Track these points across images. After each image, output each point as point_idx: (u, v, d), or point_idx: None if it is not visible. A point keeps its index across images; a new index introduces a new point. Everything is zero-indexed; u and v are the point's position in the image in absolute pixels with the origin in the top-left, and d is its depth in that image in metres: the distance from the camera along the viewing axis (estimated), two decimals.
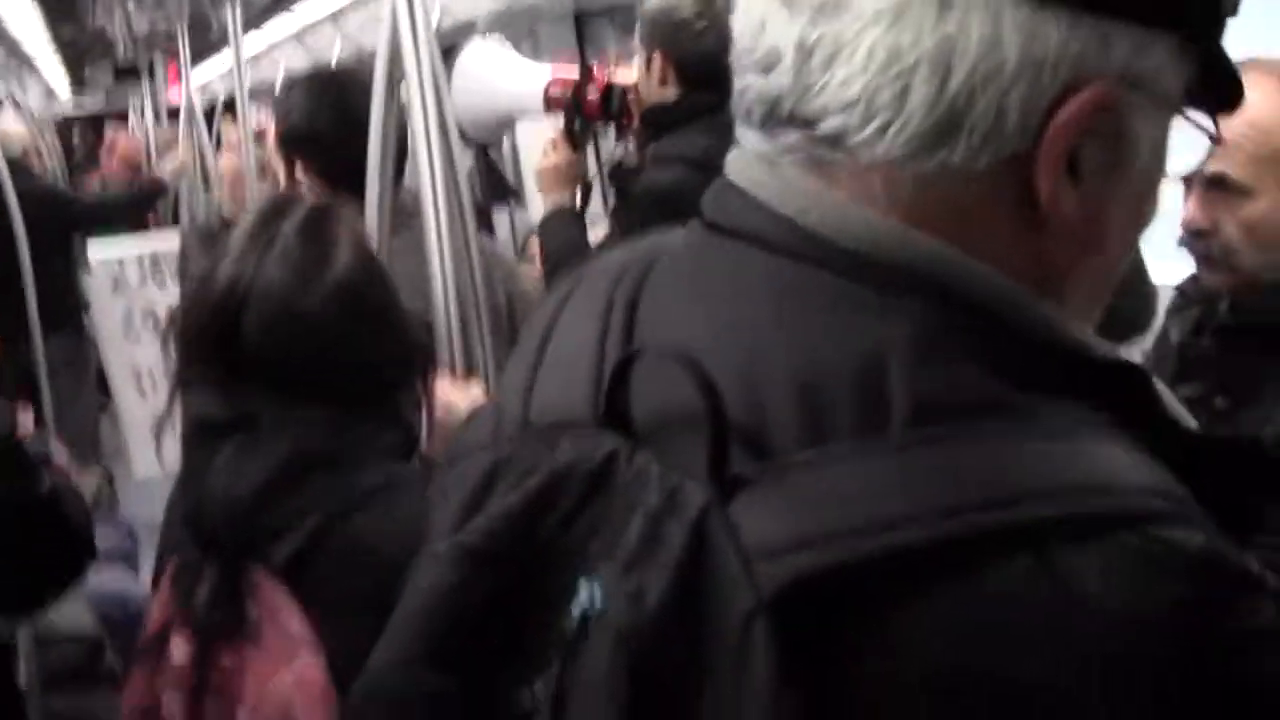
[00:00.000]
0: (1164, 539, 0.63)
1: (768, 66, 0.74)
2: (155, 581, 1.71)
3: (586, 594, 0.67)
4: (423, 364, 1.83)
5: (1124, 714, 0.62)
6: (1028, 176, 0.71)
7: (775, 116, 0.74)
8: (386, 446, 1.67)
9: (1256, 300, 1.81)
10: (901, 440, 0.66)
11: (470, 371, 2.18)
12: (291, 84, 2.56)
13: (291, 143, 2.57)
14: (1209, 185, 1.76)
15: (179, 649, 1.56)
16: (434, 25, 2.17)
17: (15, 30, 8.59)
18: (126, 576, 4.23)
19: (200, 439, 1.67)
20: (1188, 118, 0.77)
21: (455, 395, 2.02)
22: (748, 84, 0.76)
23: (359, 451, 1.63)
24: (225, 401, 1.64)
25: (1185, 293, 1.96)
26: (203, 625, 1.57)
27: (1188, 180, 1.77)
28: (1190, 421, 0.74)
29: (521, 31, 5.75)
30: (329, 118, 2.48)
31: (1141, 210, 0.79)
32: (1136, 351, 2.10)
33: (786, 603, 0.62)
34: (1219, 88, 0.77)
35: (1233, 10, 0.75)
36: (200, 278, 1.70)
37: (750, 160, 0.79)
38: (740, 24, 0.77)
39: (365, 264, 1.71)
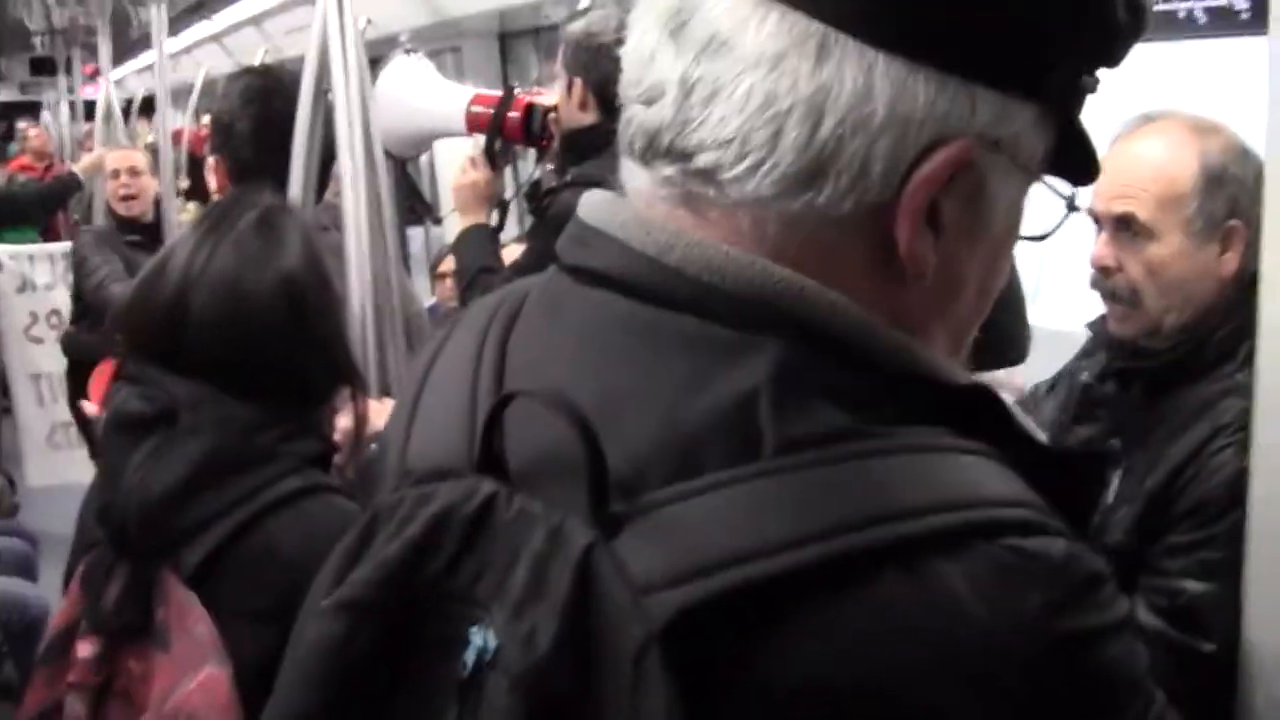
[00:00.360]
0: (1027, 548, 0.68)
1: (651, 99, 0.76)
2: (68, 579, 1.70)
3: (478, 640, 0.68)
4: (351, 380, 1.83)
5: (996, 713, 0.66)
6: (889, 225, 0.74)
7: (654, 149, 0.76)
8: (304, 453, 1.67)
9: (1156, 344, 1.84)
10: (770, 466, 0.69)
11: (386, 390, 2.19)
12: (231, 76, 2.55)
13: (211, 132, 2.55)
14: (1117, 226, 1.81)
15: (85, 649, 1.55)
16: (361, 36, 2.18)
17: None
18: (24, 584, 4.16)
19: (118, 436, 1.65)
20: (1045, 183, 0.81)
21: (370, 409, 2.02)
22: (632, 115, 0.78)
23: (276, 455, 1.63)
24: (146, 397, 1.63)
25: (1096, 335, 2.00)
26: (110, 626, 1.56)
27: (1096, 219, 1.82)
28: (1040, 436, 0.78)
29: (445, 49, 5.74)
30: (250, 115, 2.44)
31: (996, 267, 0.82)
32: (1014, 390, 2.14)
33: (675, 633, 0.64)
34: (1076, 159, 0.80)
35: (1091, 89, 0.78)
36: (155, 261, 1.71)
37: (608, 200, 0.81)
38: (630, 56, 0.79)
39: (314, 263, 1.73)
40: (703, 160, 0.74)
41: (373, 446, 1.90)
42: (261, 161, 2.35)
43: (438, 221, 3.15)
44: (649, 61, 0.77)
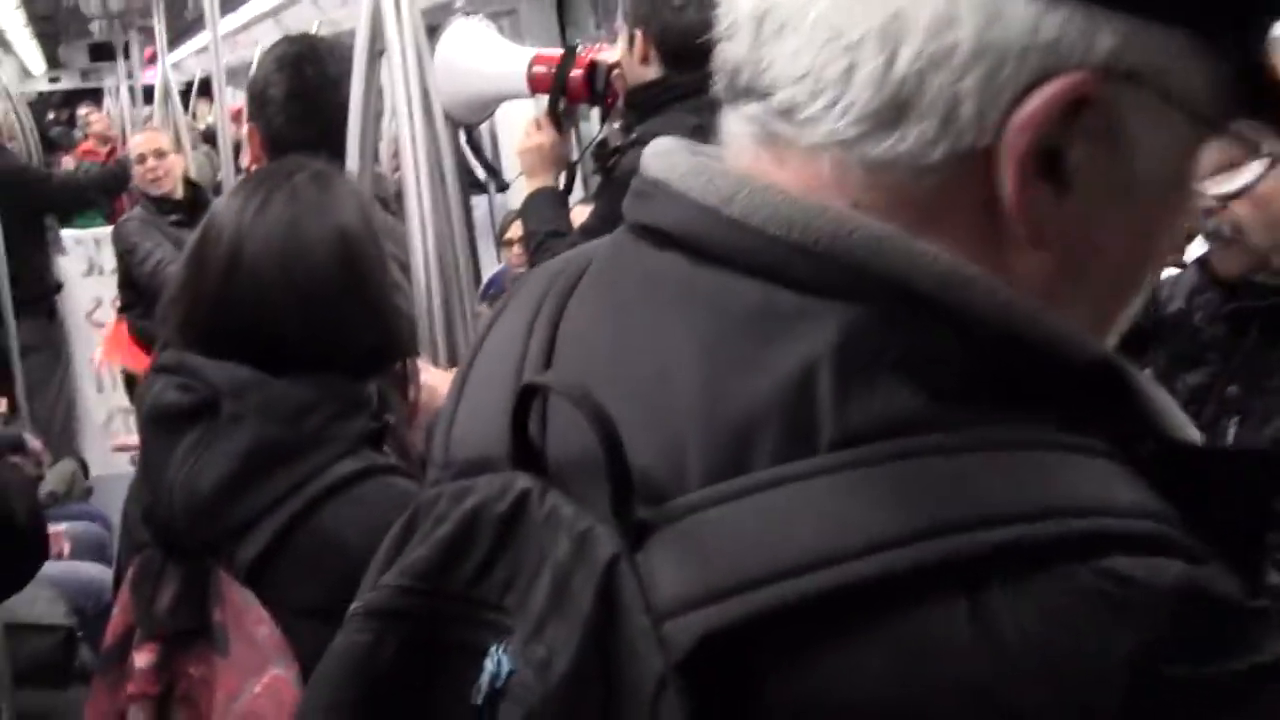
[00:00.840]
0: (1125, 572, 0.55)
1: (730, 35, 0.69)
2: (116, 583, 1.62)
3: (491, 665, 0.63)
4: (405, 349, 1.73)
5: None
6: (991, 176, 0.63)
7: (735, 87, 0.69)
8: (356, 433, 1.57)
9: (1268, 283, 1.75)
10: (823, 465, 0.59)
11: (454, 359, 2.09)
12: (268, 46, 2.45)
13: (247, 100, 2.46)
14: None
15: (142, 658, 1.47)
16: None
17: None
18: (99, 567, 4.15)
19: (157, 430, 1.57)
20: (1226, 130, 0.66)
21: (439, 379, 1.93)
22: (719, 51, 0.71)
23: (327, 438, 1.54)
24: (183, 387, 1.54)
25: (1204, 268, 1.89)
26: (165, 632, 1.48)
27: None
28: (1192, 433, 0.66)
29: (501, 11, 5.65)
30: (284, 84, 2.33)
31: (1153, 229, 0.68)
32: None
33: (697, 662, 0.57)
34: (1259, 96, 0.66)
35: (1269, 9, 0.65)
36: (201, 226, 1.63)
37: (673, 148, 0.73)
38: None
39: (368, 223, 1.64)
40: (780, 99, 0.65)
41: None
42: (293, 130, 2.25)
43: (504, 187, 3.07)
44: None
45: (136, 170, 5.39)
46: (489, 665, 0.63)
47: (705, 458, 0.61)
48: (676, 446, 0.62)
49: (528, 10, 5.61)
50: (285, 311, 1.55)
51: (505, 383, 0.73)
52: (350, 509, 1.50)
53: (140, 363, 2.44)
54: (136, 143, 5.54)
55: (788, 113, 0.65)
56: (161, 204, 5.26)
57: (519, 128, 3.04)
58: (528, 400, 0.67)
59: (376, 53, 2.08)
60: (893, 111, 0.62)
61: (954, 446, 0.59)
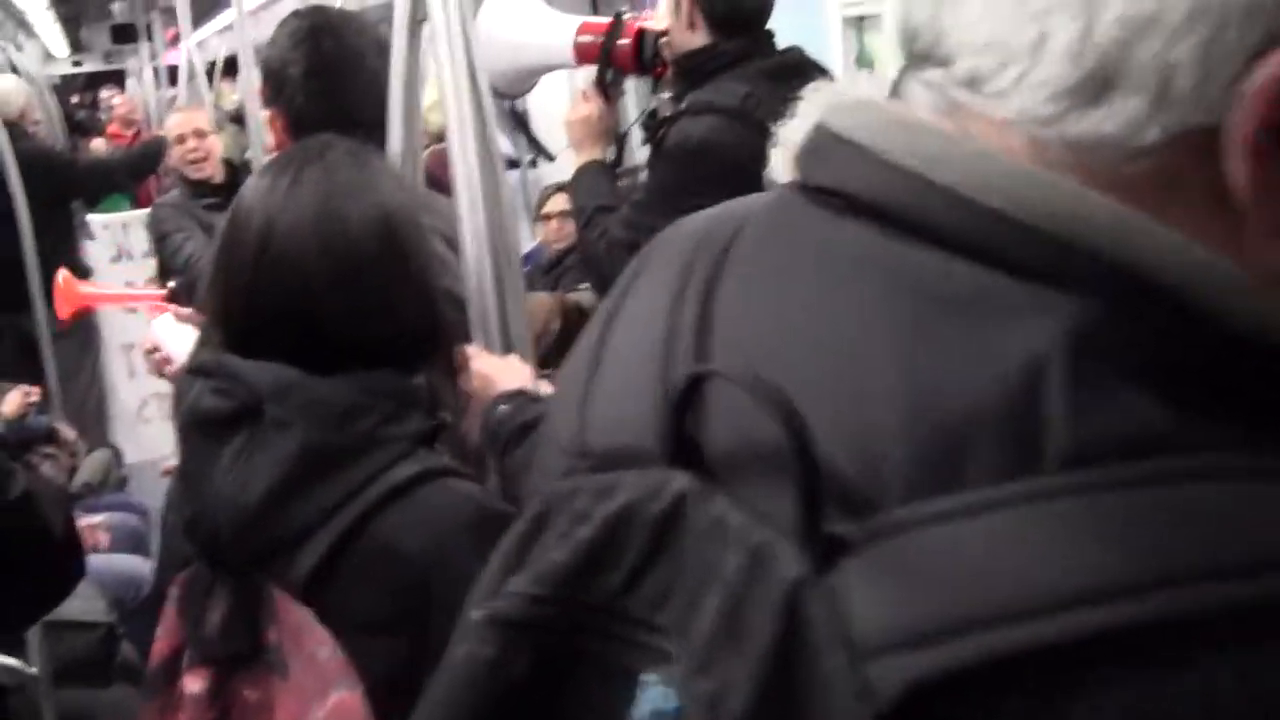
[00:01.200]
0: None
1: None
2: (157, 600, 1.51)
3: (655, 699, 0.55)
4: (456, 335, 1.63)
5: None
6: (1218, 160, 0.52)
7: (913, 51, 0.61)
8: (412, 433, 1.46)
9: None
10: (1059, 486, 0.49)
11: (507, 344, 1.98)
12: (281, 22, 2.30)
13: (264, 83, 2.31)
14: None
15: (193, 683, 1.36)
16: None
17: None
18: (138, 559, 4.08)
19: (197, 438, 1.46)
20: None
21: (493, 367, 1.83)
22: (897, 14, 0.62)
23: (381, 440, 1.43)
24: (222, 391, 1.44)
25: None
26: (217, 655, 1.38)
27: None
28: None
29: None
30: (302, 60, 2.19)
31: None
32: None
33: (907, 713, 0.47)
34: None
35: None
36: (231, 209, 1.53)
37: (863, 104, 0.63)
38: None
39: (409, 199, 1.54)
40: (962, 68, 0.56)
41: (502, 408, 1.72)
42: (317, 108, 2.12)
43: (551, 158, 2.98)
44: None
45: (175, 151, 5.10)
46: (651, 697, 0.55)
47: (910, 463, 0.52)
48: (872, 447, 0.53)
49: None
50: (324, 296, 1.45)
51: (651, 362, 0.65)
52: (410, 515, 1.39)
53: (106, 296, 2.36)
54: (174, 123, 5.19)
55: (972, 83, 0.56)
56: (200, 187, 5.02)
57: (547, 98, 2.95)
58: (693, 389, 0.58)
59: (418, 22, 1.97)
60: (1095, 87, 0.53)
61: (1212, 473, 0.49)
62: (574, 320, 3.16)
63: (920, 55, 0.60)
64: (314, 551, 1.37)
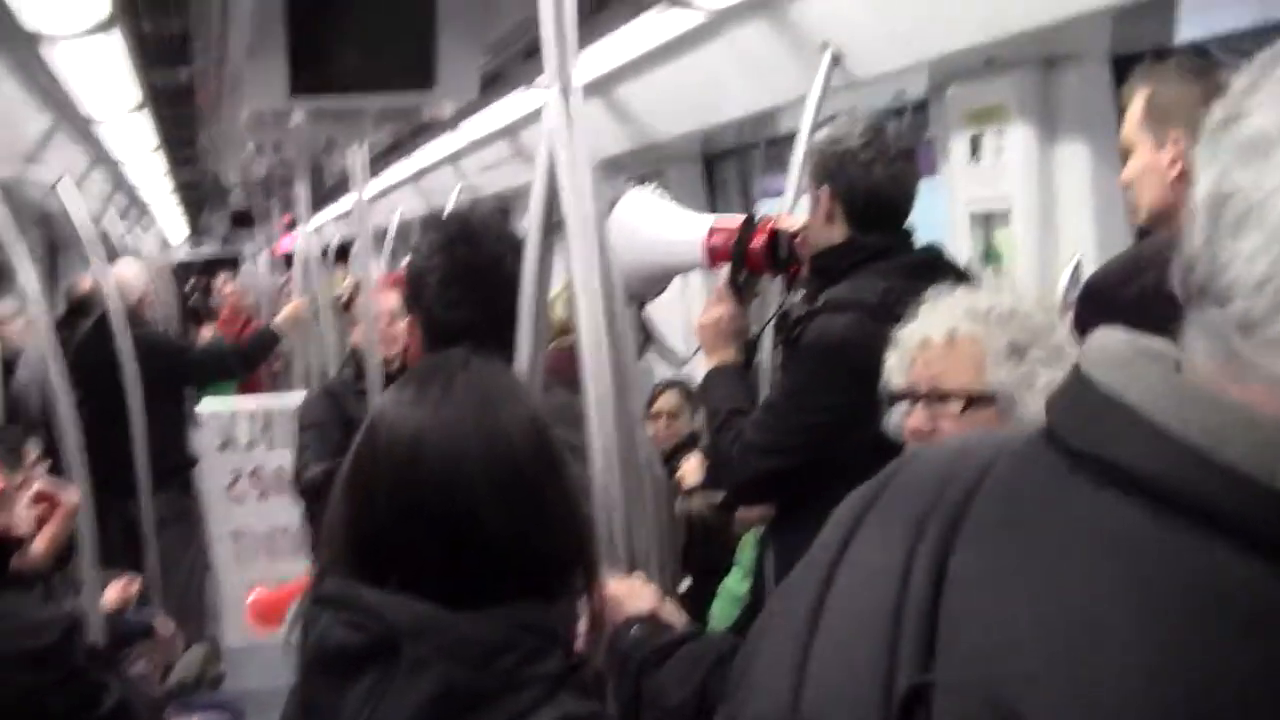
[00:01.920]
0: None
1: (1188, 221, 0.55)
2: None
3: None
4: (592, 561, 1.49)
5: None
6: None
7: (1189, 285, 0.54)
8: (552, 673, 1.33)
9: None
10: None
11: (634, 563, 1.85)
12: (424, 224, 2.26)
13: (405, 287, 2.24)
14: None
15: None
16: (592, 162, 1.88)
17: (136, 177, 8.62)
18: None
19: (323, 676, 1.34)
20: None
21: (621, 588, 1.70)
22: (1181, 244, 0.56)
23: (522, 682, 1.30)
24: (354, 625, 1.32)
25: None
26: None
27: None
28: None
29: (649, 174, 5.55)
30: (439, 268, 2.13)
31: None
32: None
33: None
34: None
35: None
36: (367, 424, 1.43)
37: (1130, 358, 0.56)
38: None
39: (541, 424, 1.43)
40: (1237, 310, 0.50)
41: (634, 632, 1.58)
42: (454, 316, 2.04)
43: (683, 362, 2.90)
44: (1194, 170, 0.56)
45: (367, 328, 4.21)
46: None
47: None
48: None
49: (676, 172, 5.48)
50: (487, 508, 1.33)
51: (876, 637, 0.61)
52: None
53: None
54: (370, 297, 4.36)
55: (1247, 329, 0.50)
56: (389, 366, 4.08)
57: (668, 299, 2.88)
58: (917, 698, 0.55)
59: (553, 223, 1.89)
60: None
61: None
62: (697, 534, 3.02)
63: (1197, 289, 0.53)
64: None
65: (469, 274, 2.01)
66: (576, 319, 1.83)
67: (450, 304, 2.06)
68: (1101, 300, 1.18)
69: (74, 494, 2.24)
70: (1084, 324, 1.22)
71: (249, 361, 7.04)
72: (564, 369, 2.16)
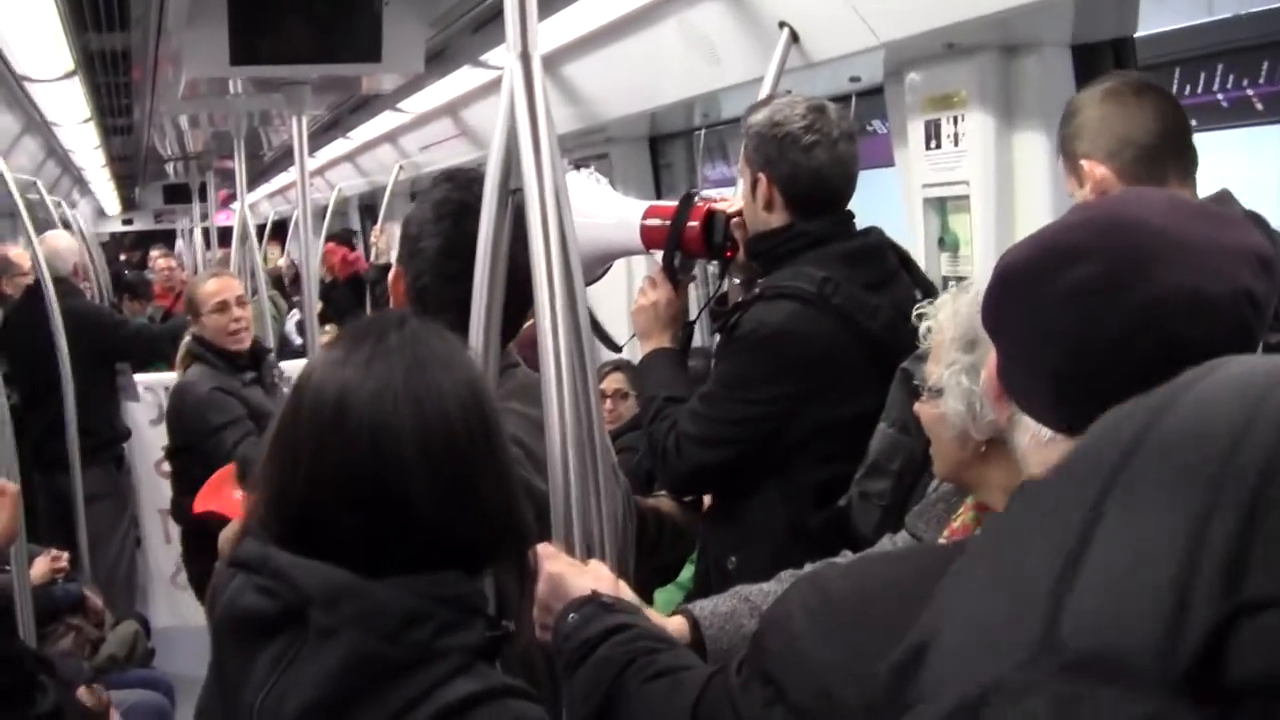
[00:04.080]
0: None
1: None
2: None
3: None
4: (530, 532, 1.45)
5: None
6: None
7: None
8: (469, 645, 1.29)
9: None
10: None
11: (589, 546, 1.80)
12: (434, 179, 2.15)
13: (401, 238, 2.16)
14: None
15: None
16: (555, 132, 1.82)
17: (70, 145, 8.44)
18: None
19: (235, 639, 1.32)
20: None
21: (566, 569, 1.65)
22: None
23: (437, 653, 1.26)
24: (265, 590, 1.29)
25: None
26: None
27: None
28: None
29: (592, 156, 5.49)
30: (439, 236, 2.05)
31: None
32: None
33: None
34: None
35: None
36: (296, 387, 1.38)
37: None
38: None
39: (479, 390, 1.38)
40: None
41: (571, 618, 1.53)
42: (445, 290, 1.96)
43: (617, 349, 2.83)
44: None
45: (214, 320, 4.57)
46: None
47: None
48: None
49: (620, 154, 5.42)
50: (413, 473, 1.28)
51: (1167, 566, 0.57)
52: None
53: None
54: (211, 289, 4.63)
55: None
56: (235, 359, 4.58)
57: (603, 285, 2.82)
58: (1235, 617, 0.52)
59: (510, 191, 1.82)
60: None
61: None
62: (650, 527, 2.97)
63: None
64: None
65: (467, 250, 1.92)
66: (535, 292, 1.77)
67: (447, 277, 1.98)
68: (1010, 299, 1.10)
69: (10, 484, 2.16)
70: (999, 317, 1.13)
71: (177, 341, 6.91)
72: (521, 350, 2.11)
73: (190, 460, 4.43)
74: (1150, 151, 2.15)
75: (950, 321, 1.89)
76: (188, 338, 4.81)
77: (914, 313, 2.01)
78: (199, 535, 4.30)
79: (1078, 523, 0.63)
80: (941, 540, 1.96)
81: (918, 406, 1.97)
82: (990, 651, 0.61)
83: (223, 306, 4.58)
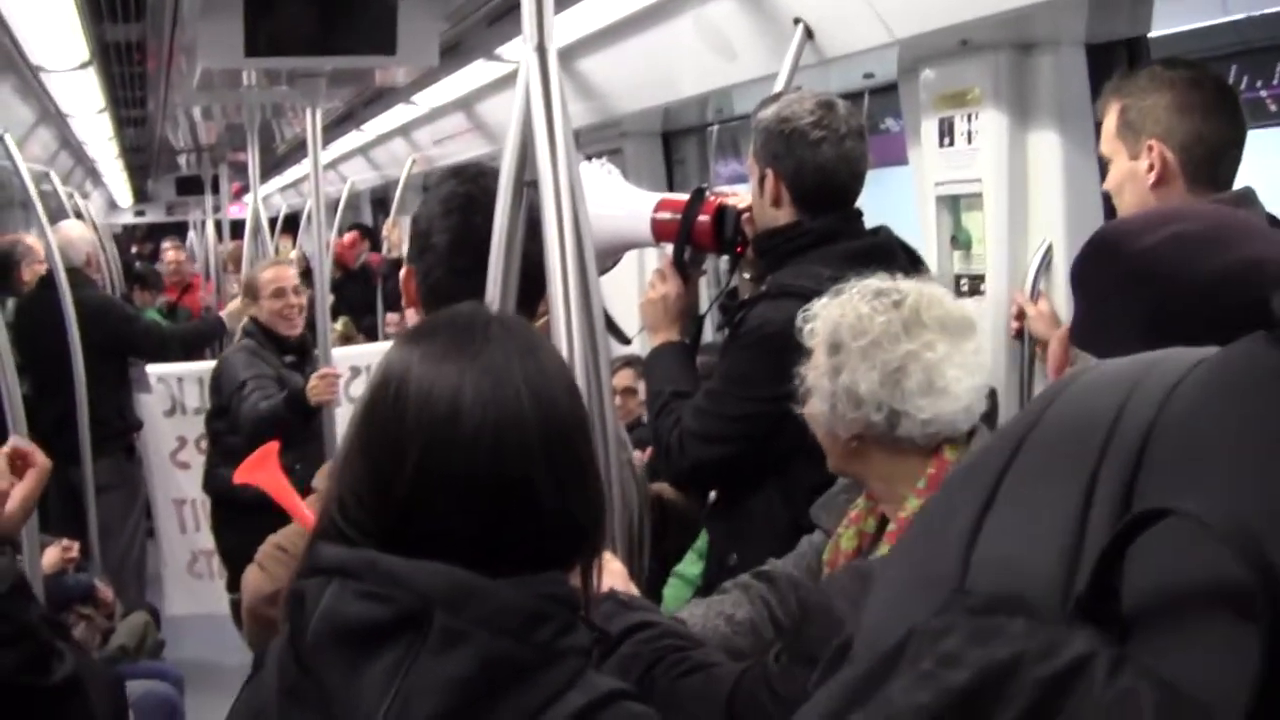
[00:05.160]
0: None
1: None
2: None
3: None
4: (601, 531, 1.38)
5: None
6: None
7: None
8: (584, 644, 1.24)
9: None
10: None
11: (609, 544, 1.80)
12: (440, 176, 2.14)
13: (411, 235, 2.12)
14: None
15: None
16: (570, 121, 1.82)
17: (84, 136, 8.46)
18: None
19: (338, 651, 1.21)
20: None
21: (615, 570, 1.67)
22: None
23: (558, 655, 1.21)
24: (374, 596, 1.20)
25: None
26: None
27: None
28: None
29: (606, 150, 5.49)
30: (449, 232, 2.01)
31: None
32: None
33: None
34: None
35: None
36: (376, 385, 1.30)
37: None
38: None
39: (569, 369, 1.38)
40: None
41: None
42: (457, 284, 1.93)
43: (626, 341, 2.83)
44: None
45: (270, 304, 5.05)
46: None
47: None
48: None
49: (634, 148, 5.42)
50: (535, 461, 1.23)
51: (1065, 507, 0.60)
52: None
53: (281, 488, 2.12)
54: (269, 276, 5.13)
55: None
56: (283, 342, 5.06)
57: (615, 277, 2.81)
58: (1131, 534, 0.54)
59: (524, 183, 1.83)
60: None
61: None
62: (657, 516, 2.98)
63: None
64: None
65: (477, 243, 1.92)
66: (549, 284, 1.78)
67: (459, 271, 1.96)
68: (1110, 250, 1.18)
69: (44, 456, 2.15)
70: (1094, 272, 1.21)
71: (189, 347, 6.97)
72: None
73: (226, 427, 4.87)
74: (1218, 157, 2.22)
75: (821, 326, 1.94)
76: (245, 319, 5.28)
77: (799, 315, 2.03)
78: (229, 507, 4.80)
79: (983, 490, 0.65)
80: (840, 530, 2.00)
81: (800, 407, 2.03)
82: (904, 619, 0.62)
83: (280, 293, 5.07)
